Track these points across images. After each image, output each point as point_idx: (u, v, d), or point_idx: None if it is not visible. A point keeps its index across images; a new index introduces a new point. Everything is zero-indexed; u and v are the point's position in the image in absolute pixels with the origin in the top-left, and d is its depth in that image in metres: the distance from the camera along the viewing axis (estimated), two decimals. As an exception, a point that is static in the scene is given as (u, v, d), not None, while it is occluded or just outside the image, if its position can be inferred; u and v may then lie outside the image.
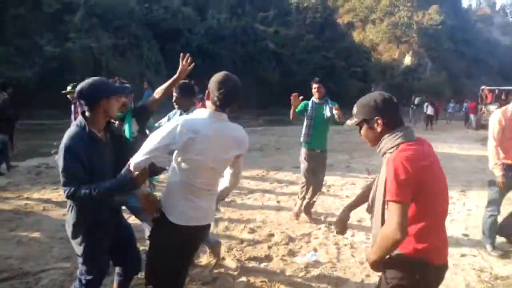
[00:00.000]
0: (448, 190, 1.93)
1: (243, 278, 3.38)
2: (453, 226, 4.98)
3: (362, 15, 62.68)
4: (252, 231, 4.49)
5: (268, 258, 3.83)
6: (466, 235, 4.70)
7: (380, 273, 1.93)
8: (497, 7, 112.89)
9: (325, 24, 37.01)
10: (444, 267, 1.90)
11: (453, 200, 6.24)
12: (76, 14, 19.78)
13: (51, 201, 5.46)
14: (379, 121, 1.80)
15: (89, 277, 2.29)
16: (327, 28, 36.99)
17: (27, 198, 5.51)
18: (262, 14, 33.68)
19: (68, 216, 2.35)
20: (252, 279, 3.38)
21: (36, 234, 4.30)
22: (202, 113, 2.12)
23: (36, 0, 19.58)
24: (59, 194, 5.85)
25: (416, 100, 25.78)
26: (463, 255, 4.08)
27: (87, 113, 2.24)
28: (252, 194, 6.10)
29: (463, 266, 3.83)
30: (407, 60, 59.84)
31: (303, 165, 4.85)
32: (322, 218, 5.09)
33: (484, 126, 19.72)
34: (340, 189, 6.58)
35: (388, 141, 1.78)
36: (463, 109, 25.28)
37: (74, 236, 2.30)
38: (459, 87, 54.46)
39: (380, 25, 59.62)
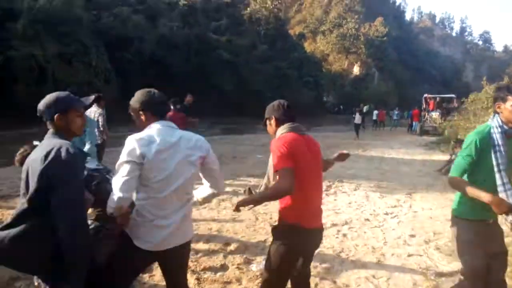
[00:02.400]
0: (321, 176, 2.49)
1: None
2: (400, 228, 5.23)
3: (313, 26, 64.87)
4: (207, 241, 4.45)
5: (224, 268, 3.80)
6: (412, 235, 4.95)
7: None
8: (437, 19, 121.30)
9: (277, 35, 37.83)
10: (316, 231, 2.41)
11: (400, 202, 6.57)
12: (19, 20, 18.72)
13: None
14: (272, 120, 2.48)
15: None
16: (279, 39, 37.82)
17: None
18: (215, 23, 33.77)
19: None
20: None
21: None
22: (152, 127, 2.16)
23: (-27, 5, 18.37)
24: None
25: (365, 108, 26.97)
26: (410, 255, 4.29)
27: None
28: (207, 203, 6.04)
29: (411, 266, 4.02)
30: (356, 70, 62.63)
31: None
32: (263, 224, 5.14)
33: (427, 132, 21.01)
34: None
35: (279, 131, 2.39)
36: (408, 116, 26.75)
37: None
38: (404, 95, 57.75)
39: (329, 36, 62.01)
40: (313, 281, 3.60)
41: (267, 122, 2.52)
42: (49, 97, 1.99)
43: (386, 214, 5.89)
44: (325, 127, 25.33)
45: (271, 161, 2.36)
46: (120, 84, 22.24)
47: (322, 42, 61.59)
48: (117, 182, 1.99)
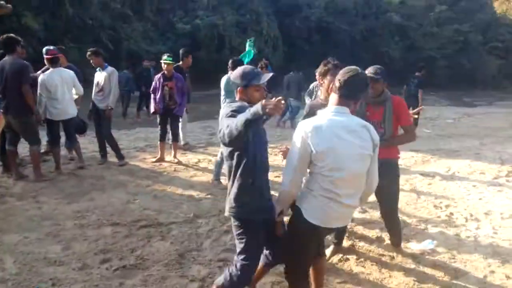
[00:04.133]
0: None
1: (354, 256, 3.39)
2: None
3: (509, -20, 53.87)
4: (364, 210, 4.42)
5: (379, 240, 3.74)
6: None
7: None
8: None
9: (461, -8, 32.77)
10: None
11: None
12: (204, -8, 21.05)
13: (181, 163, 6.14)
14: None
15: (245, 262, 2.28)
16: (463, -3, 32.74)
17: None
18: (388, -16, 31.31)
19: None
20: (362, 259, 3.37)
21: (169, 191, 4.92)
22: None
23: (170, -20, 21.40)
24: (187, 158, 6.53)
25: None
26: None
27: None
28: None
29: None
30: None
31: None
32: (443, 206, 4.74)
33: None
34: (466, 177, 6.00)
35: None
36: None
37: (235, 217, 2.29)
38: None
39: (531, -9, 50.58)
40: (482, 271, 3.26)
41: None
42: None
43: None
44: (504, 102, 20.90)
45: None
46: (286, 50, 23.09)
47: (520, 0, 50.87)
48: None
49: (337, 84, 2.14)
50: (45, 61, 5.26)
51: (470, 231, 4.08)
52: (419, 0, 30.81)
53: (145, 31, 20.27)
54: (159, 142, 6.19)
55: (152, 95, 6.05)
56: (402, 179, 5.47)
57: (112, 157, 6.11)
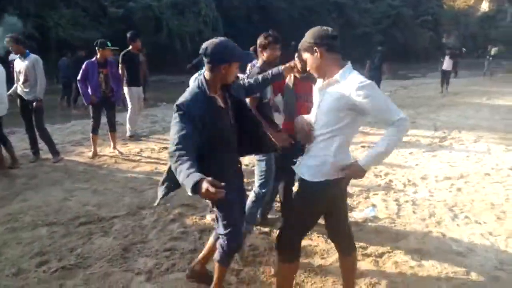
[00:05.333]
0: None
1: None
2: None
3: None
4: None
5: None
6: None
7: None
8: None
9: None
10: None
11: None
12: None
13: (122, 154, 5.86)
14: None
15: (228, 230, 2.27)
16: (393, -27, 34.04)
17: (99, 152, 5.94)
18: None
19: None
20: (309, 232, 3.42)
21: (109, 184, 4.68)
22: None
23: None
24: (129, 148, 6.26)
25: (493, 51, 23.26)
26: None
27: (206, 74, 2.12)
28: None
29: None
30: (484, 5, 53.83)
31: None
32: (383, 174, 4.95)
33: None
34: (403, 145, 6.30)
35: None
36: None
37: None
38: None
39: (454, -34, 53.75)
40: (421, 232, 3.45)
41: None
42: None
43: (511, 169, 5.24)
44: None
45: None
46: (227, 32, 22.79)
47: (445, -26, 53.88)
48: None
49: (327, 41, 2.02)
50: None
51: (408, 195, 4.31)
52: (353, -23, 31.59)
53: (74, 17, 18.97)
54: (91, 135, 5.79)
55: (81, 84, 5.56)
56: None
57: (45, 154, 5.70)
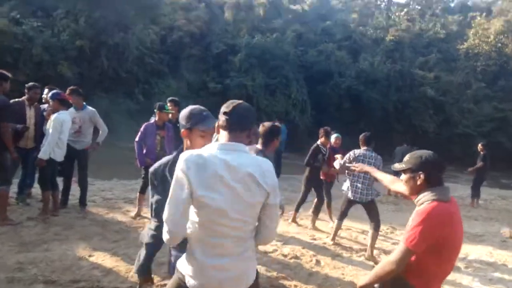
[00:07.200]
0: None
1: None
2: None
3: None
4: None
5: None
6: None
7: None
8: None
9: (500, 71, 32.24)
10: None
11: None
12: (238, 55, 21.79)
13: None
14: (421, 176, 2.09)
15: None
16: (501, 76, 32.12)
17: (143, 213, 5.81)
18: (422, 58, 31.31)
19: None
20: None
21: (132, 250, 4.40)
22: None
23: (208, 42, 22.45)
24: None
25: None
26: None
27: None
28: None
29: None
30: None
31: None
32: None
33: None
34: (484, 268, 5.09)
35: (426, 195, 2.05)
36: None
37: None
38: None
39: None
40: None
41: (409, 175, 2.17)
42: None
43: None
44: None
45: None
46: (314, 114, 23.04)
47: None
48: None
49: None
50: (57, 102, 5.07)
51: None
52: (455, 76, 30.59)
53: (178, 88, 20.91)
54: (138, 194, 5.74)
55: (137, 146, 5.57)
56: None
57: (95, 207, 5.76)
